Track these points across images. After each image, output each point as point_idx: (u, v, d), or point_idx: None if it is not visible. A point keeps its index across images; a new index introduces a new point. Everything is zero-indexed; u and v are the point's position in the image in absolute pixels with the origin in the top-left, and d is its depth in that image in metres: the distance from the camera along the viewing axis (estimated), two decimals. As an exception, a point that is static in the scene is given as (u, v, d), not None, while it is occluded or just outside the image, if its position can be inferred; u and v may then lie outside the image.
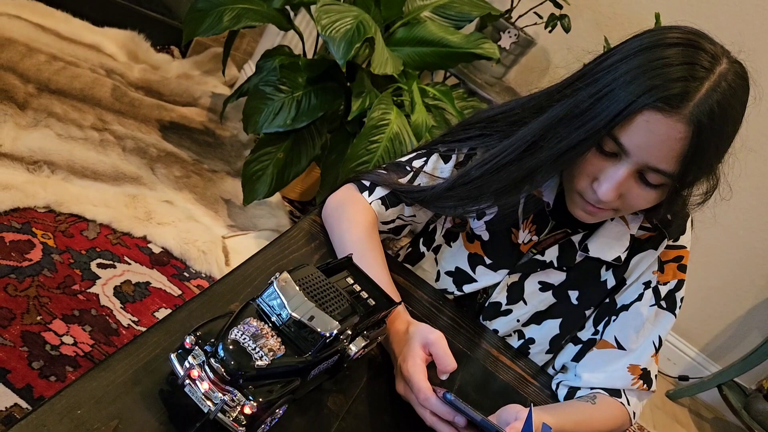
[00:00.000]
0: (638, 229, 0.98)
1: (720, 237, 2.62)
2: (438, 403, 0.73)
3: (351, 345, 0.73)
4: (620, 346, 0.98)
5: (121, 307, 1.51)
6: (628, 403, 0.97)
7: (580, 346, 1.03)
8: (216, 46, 2.80)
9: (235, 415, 0.60)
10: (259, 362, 0.61)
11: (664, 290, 0.99)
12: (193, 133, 2.33)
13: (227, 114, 2.35)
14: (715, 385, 2.65)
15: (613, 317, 1.00)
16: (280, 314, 0.66)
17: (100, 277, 1.55)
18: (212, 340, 0.62)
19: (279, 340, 0.64)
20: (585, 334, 1.03)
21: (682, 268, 1.00)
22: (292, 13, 2.23)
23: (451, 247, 1.06)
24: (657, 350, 0.98)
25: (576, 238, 0.99)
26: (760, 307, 2.77)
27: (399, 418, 0.78)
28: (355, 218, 0.97)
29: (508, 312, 1.04)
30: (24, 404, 1.20)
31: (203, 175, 2.15)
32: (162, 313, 1.57)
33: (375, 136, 1.71)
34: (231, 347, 0.61)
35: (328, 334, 0.65)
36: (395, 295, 0.89)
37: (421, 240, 1.11)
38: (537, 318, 1.04)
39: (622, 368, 0.97)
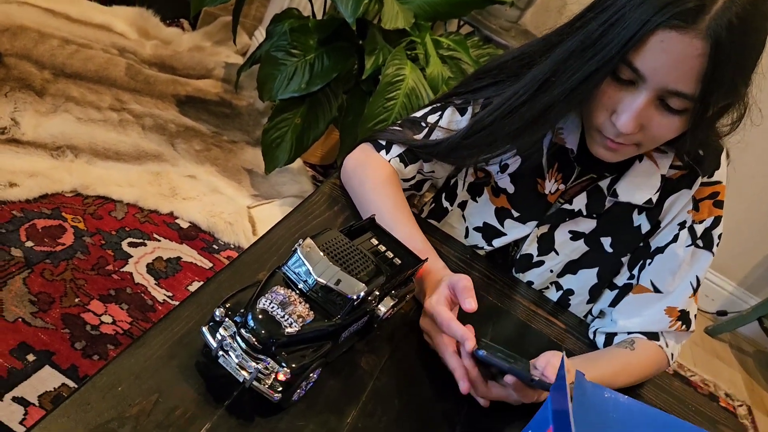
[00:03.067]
0: (669, 168, 0.95)
1: (753, 165, 2.55)
2: (459, 328, 0.73)
3: (380, 305, 0.73)
4: (656, 290, 0.96)
5: (155, 284, 1.53)
6: (666, 346, 0.95)
7: (616, 291, 1.02)
8: (225, 15, 2.77)
9: (270, 382, 0.61)
10: (288, 329, 0.62)
11: (700, 229, 0.96)
12: (209, 106, 2.32)
13: (242, 83, 2.34)
14: (756, 318, 2.62)
15: (648, 260, 0.98)
16: (306, 281, 0.66)
17: (132, 256, 1.57)
18: (241, 311, 0.63)
19: (307, 306, 0.65)
20: (621, 279, 1.02)
21: (719, 204, 0.97)
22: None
23: (477, 202, 1.05)
24: (695, 290, 0.96)
25: (603, 184, 0.96)
26: (798, 236, 2.71)
27: (433, 374, 0.78)
28: (376, 177, 0.96)
29: (540, 263, 1.03)
30: (71, 383, 1.24)
31: (223, 146, 2.15)
32: (195, 287, 1.59)
33: (391, 93, 1.68)
34: (260, 316, 0.62)
35: (355, 297, 0.66)
36: (430, 250, 0.89)
37: (444, 195, 1.09)
38: (572, 267, 1.03)
39: (658, 311, 0.95)
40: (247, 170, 2.10)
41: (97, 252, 1.54)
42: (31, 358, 1.25)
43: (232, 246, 1.77)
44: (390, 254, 0.81)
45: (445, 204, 1.09)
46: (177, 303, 1.51)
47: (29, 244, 1.47)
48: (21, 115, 1.78)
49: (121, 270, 1.52)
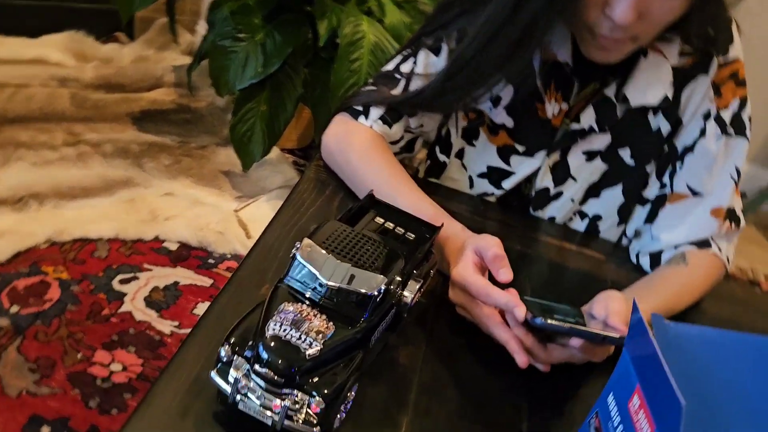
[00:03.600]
0: (678, 57, 0.84)
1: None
2: (501, 295, 0.64)
3: (405, 292, 0.63)
4: (695, 193, 0.87)
5: (158, 317, 1.43)
6: (720, 250, 0.86)
7: (648, 206, 0.92)
8: (160, 17, 2.62)
9: (303, 416, 0.51)
10: (309, 351, 0.51)
11: (727, 115, 0.86)
12: (168, 116, 2.19)
13: (195, 83, 2.21)
14: (776, 193, 2.55)
15: (678, 164, 0.88)
16: (315, 288, 0.56)
17: (126, 293, 1.47)
18: (250, 344, 0.52)
19: (324, 317, 0.54)
20: (651, 192, 0.91)
21: (741, 83, 0.86)
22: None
23: (474, 146, 0.94)
24: (737, 183, 0.86)
25: (610, 91, 0.85)
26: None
27: (480, 350, 0.69)
28: (361, 148, 0.87)
29: (559, 195, 0.93)
30: (95, 446, 1.16)
31: (193, 154, 2.03)
32: (200, 309, 1.49)
33: (353, 54, 1.56)
34: (273, 345, 0.51)
35: (376, 292, 0.56)
36: (442, 213, 0.79)
37: (438, 148, 0.99)
38: (593, 191, 0.93)
39: (703, 215, 0.86)
40: (225, 173, 1.98)
41: (88, 299, 1.43)
42: (45, 430, 1.15)
43: (229, 256, 1.66)
44: (400, 230, 0.71)
45: (442, 158, 0.98)
46: (185, 331, 1.42)
47: (14, 309, 1.36)
48: (-29, 176, 1.66)
49: (119, 311, 1.42)
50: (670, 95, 0.85)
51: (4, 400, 1.18)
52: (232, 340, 0.53)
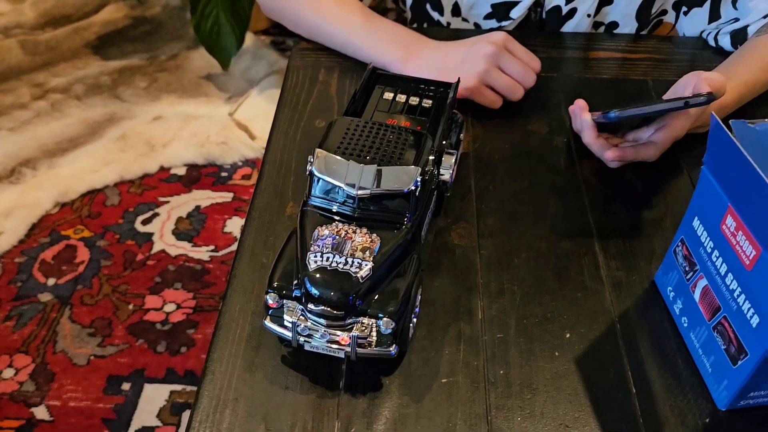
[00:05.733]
0: None
1: None
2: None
3: (441, 171, 0.56)
4: None
5: (192, 246, 1.40)
6: None
7: (708, 4, 0.80)
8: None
9: (375, 340, 0.47)
10: (360, 273, 0.46)
11: None
12: (126, 33, 2.03)
13: (142, -10, 2.02)
14: None
15: None
16: (344, 201, 0.50)
17: (153, 233, 1.43)
18: (295, 283, 0.47)
19: (364, 230, 0.49)
20: None
21: None
22: None
23: None
24: None
25: None
26: None
27: (535, 200, 0.63)
28: None
29: (572, 12, 0.82)
30: (178, 387, 1.17)
31: (167, 67, 1.89)
32: (230, 225, 1.45)
33: None
34: (320, 278, 0.46)
35: (412, 186, 0.49)
36: (416, 36, 0.75)
37: (429, 5, 0.87)
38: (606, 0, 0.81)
39: None
40: (206, 77, 1.86)
41: (118, 250, 1.40)
42: (126, 386, 1.17)
43: (240, 163, 1.59)
44: (415, 99, 0.63)
45: (435, 16, 0.87)
46: (223, 252, 1.39)
47: (51, 281, 1.34)
48: (-47, 162, 1.57)
49: (152, 253, 1.39)
50: None
51: (77, 371, 1.19)
52: (275, 284, 0.48)
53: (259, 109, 1.68)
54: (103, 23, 2.05)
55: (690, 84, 0.61)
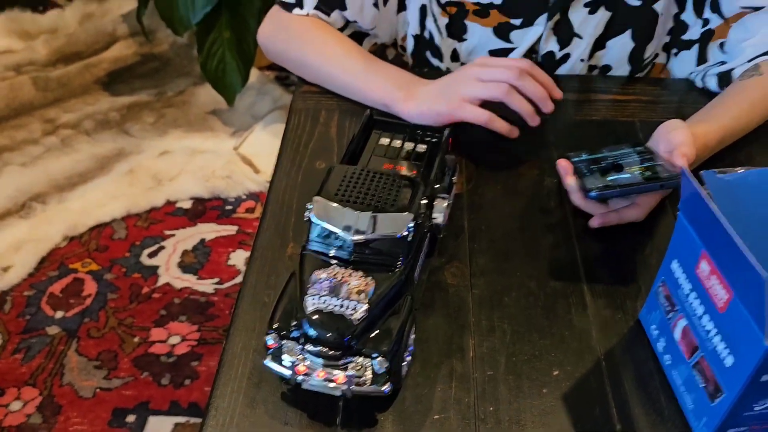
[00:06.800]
0: None
1: None
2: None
3: (434, 215, 0.59)
4: (756, 8, 0.78)
5: (196, 279, 1.43)
6: None
7: (696, 47, 0.84)
8: (90, -33, 2.42)
9: (370, 378, 0.49)
10: (355, 315, 0.49)
11: None
12: (136, 70, 2.08)
13: (150, 28, 2.07)
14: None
15: None
16: (341, 246, 0.52)
17: (159, 266, 1.46)
18: (294, 324, 0.50)
19: (360, 274, 0.51)
20: (694, 33, 0.83)
21: None
22: None
23: (466, 40, 0.86)
24: None
25: None
26: None
27: (525, 240, 0.66)
28: (301, 29, 0.83)
29: (566, 57, 0.86)
30: (182, 419, 1.19)
31: (174, 103, 1.94)
32: (234, 257, 1.48)
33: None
34: (317, 319, 0.49)
35: (405, 232, 0.52)
36: (409, 77, 0.78)
37: (429, 53, 0.91)
38: (598, 44, 0.85)
39: None
40: (211, 112, 1.90)
41: (124, 283, 1.43)
42: (131, 419, 1.19)
43: (244, 197, 1.62)
44: (410, 144, 0.66)
45: (435, 63, 0.91)
46: (227, 284, 1.42)
47: (59, 314, 1.37)
48: (-33, 197, 1.62)
49: (158, 285, 1.42)
50: None
51: (83, 404, 1.21)
52: (276, 325, 0.50)
53: (263, 144, 1.72)
54: (113, 60, 2.11)
55: (666, 136, 0.64)
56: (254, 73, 1.98)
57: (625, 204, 0.65)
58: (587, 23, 0.83)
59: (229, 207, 1.61)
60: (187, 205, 1.61)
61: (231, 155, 1.72)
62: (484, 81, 0.71)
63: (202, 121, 1.87)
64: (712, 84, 0.83)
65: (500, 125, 0.72)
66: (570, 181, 0.64)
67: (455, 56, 0.89)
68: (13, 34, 2.22)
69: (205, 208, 1.60)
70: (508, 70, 0.70)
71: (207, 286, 1.42)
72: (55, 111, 1.90)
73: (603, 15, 0.82)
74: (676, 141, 0.62)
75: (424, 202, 0.56)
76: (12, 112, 1.90)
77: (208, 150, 1.74)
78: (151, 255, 1.49)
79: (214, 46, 1.68)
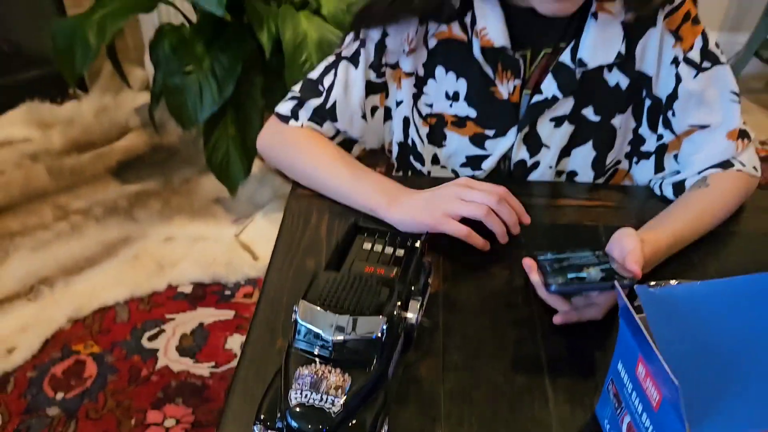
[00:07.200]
0: (625, 13, 0.84)
1: None
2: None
3: (407, 315, 0.66)
4: (702, 126, 0.88)
5: (194, 363, 1.48)
6: (744, 165, 0.88)
7: (653, 157, 0.93)
8: (107, 62, 2.59)
9: (346, 466, 0.55)
10: (333, 408, 0.55)
11: (695, 55, 0.86)
12: (145, 159, 2.20)
13: (160, 120, 2.20)
14: (753, 54, 2.52)
15: (670, 112, 0.89)
16: (323, 345, 0.59)
17: (158, 349, 1.51)
18: (278, 416, 0.56)
19: (338, 370, 0.57)
20: (650, 145, 0.93)
21: (696, 21, 0.87)
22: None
23: (446, 146, 0.96)
24: (739, 101, 0.88)
25: (565, 57, 0.86)
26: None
27: (494, 340, 0.72)
28: (296, 139, 0.94)
29: (536, 164, 0.95)
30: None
31: (180, 191, 2.05)
32: (231, 342, 1.54)
33: (300, 56, 1.56)
34: (299, 411, 0.55)
35: (379, 333, 0.58)
36: (395, 186, 0.86)
37: (412, 157, 1.00)
38: (564, 152, 0.94)
39: (721, 141, 0.88)
40: (215, 201, 2.00)
41: (124, 365, 1.48)
42: (124, 502, 1.21)
43: (243, 282, 1.69)
44: (389, 250, 0.73)
45: (418, 166, 1.00)
46: (224, 368, 1.47)
47: (60, 395, 1.41)
48: (-22, 279, 1.69)
49: (156, 368, 1.47)
50: (623, 51, 0.85)
51: (78, 486, 1.24)
52: (262, 417, 0.56)
53: (262, 232, 1.81)
54: (124, 150, 2.23)
55: (619, 243, 0.71)
56: (256, 164, 2.09)
57: (585, 303, 0.71)
58: (553, 135, 0.92)
59: (228, 292, 1.67)
60: (188, 289, 1.68)
61: (231, 242, 1.81)
62: (465, 201, 0.79)
63: (206, 209, 1.97)
64: (669, 192, 0.92)
65: (476, 240, 0.79)
66: (534, 277, 0.71)
67: (435, 160, 0.98)
68: (32, 123, 2.36)
69: (205, 293, 1.67)
70: (489, 194, 0.78)
71: (203, 369, 1.47)
72: (67, 198, 2.00)
73: (567, 128, 0.91)
74: (628, 248, 0.70)
75: (398, 304, 0.63)
76: (25, 199, 2.00)
77: (210, 237, 1.83)
78: (151, 338, 1.55)
79: (219, 141, 1.79)
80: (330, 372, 0.57)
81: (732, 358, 0.54)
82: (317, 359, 0.59)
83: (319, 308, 0.60)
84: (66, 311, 1.60)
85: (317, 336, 0.59)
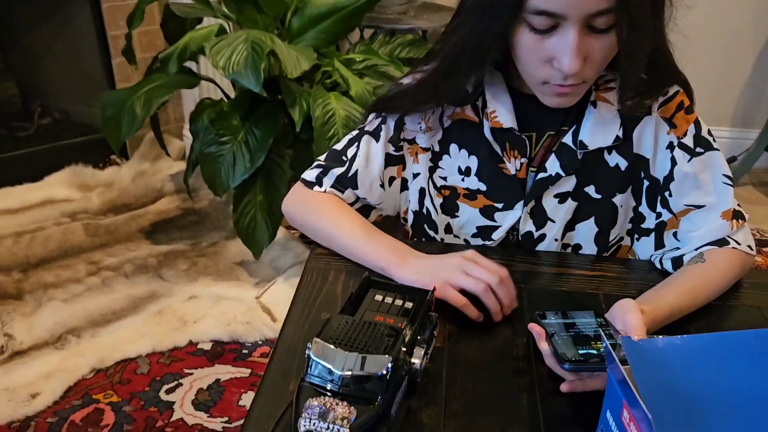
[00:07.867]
0: (624, 102, 0.92)
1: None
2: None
3: (413, 360, 0.71)
4: (698, 206, 0.95)
5: (207, 417, 1.52)
6: (738, 243, 0.94)
7: (653, 234, 0.99)
8: (148, 131, 2.76)
9: (348, 494, 0.59)
10: (339, 437, 0.60)
11: (689, 140, 0.94)
12: (176, 222, 2.31)
13: (194, 186, 2.33)
14: (763, 149, 2.60)
15: (666, 192, 0.96)
16: (332, 379, 0.65)
17: (174, 402, 1.56)
18: (289, 443, 0.61)
19: (345, 403, 0.63)
20: (650, 222, 0.99)
21: (689, 110, 0.95)
22: (195, 65, 2.18)
23: (459, 216, 1.04)
24: (733, 184, 0.95)
25: (568, 139, 0.95)
26: (762, 56, 2.69)
27: (496, 393, 0.76)
28: (318, 203, 1.01)
29: (543, 237, 1.01)
30: None
31: (207, 253, 2.14)
32: (245, 398, 1.58)
33: (328, 132, 1.67)
34: (307, 439, 0.60)
35: (384, 371, 0.64)
36: (404, 248, 0.93)
37: (426, 226, 1.08)
38: (568, 226, 1.01)
39: (716, 220, 0.94)
40: (239, 263, 2.09)
41: (141, 415, 1.52)
42: None
43: (260, 342, 1.75)
44: (399, 301, 0.79)
45: (431, 234, 1.08)
46: (236, 424, 1.50)
47: (77, 442, 1.46)
48: (11, 327, 1.77)
49: (171, 420, 1.51)
50: (621, 135, 0.93)
51: None
52: (273, 442, 0.62)
53: (282, 295, 1.88)
54: (157, 212, 2.35)
55: (621, 317, 0.75)
56: (281, 231, 2.19)
57: (590, 374, 0.75)
58: (558, 210, 0.99)
59: (245, 351, 1.73)
60: (207, 346, 1.74)
61: (252, 303, 1.88)
62: (468, 274, 0.84)
63: (230, 271, 2.05)
64: (668, 266, 0.97)
65: (471, 312, 0.84)
66: (544, 347, 0.76)
67: (449, 229, 1.05)
68: (74, 185, 2.51)
69: (224, 350, 1.72)
70: (491, 274, 0.83)
71: (216, 424, 1.50)
72: (100, 254, 2.11)
73: (570, 204, 0.98)
74: (631, 323, 0.74)
75: (404, 349, 0.69)
76: (62, 254, 2.11)
77: (232, 297, 1.90)
78: (169, 391, 1.59)
79: (247, 206, 1.89)
80: (338, 404, 0.63)
81: (704, 404, 0.58)
82: (327, 393, 0.64)
83: (331, 346, 0.66)
84: (90, 361, 1.66)
85: (328, 371, 0.65)
